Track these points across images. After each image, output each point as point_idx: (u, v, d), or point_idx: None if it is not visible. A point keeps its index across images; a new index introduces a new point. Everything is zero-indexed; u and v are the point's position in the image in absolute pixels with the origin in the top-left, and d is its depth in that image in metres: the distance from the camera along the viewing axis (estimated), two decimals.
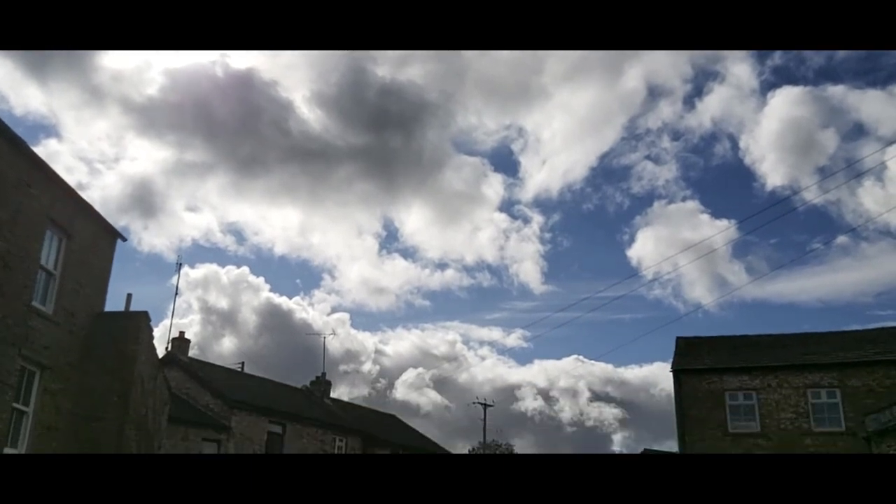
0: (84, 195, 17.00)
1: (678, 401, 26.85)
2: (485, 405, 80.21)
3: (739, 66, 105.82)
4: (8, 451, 14.23)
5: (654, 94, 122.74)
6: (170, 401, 21.54)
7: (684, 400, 26.70)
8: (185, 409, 27.44)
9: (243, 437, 29.05)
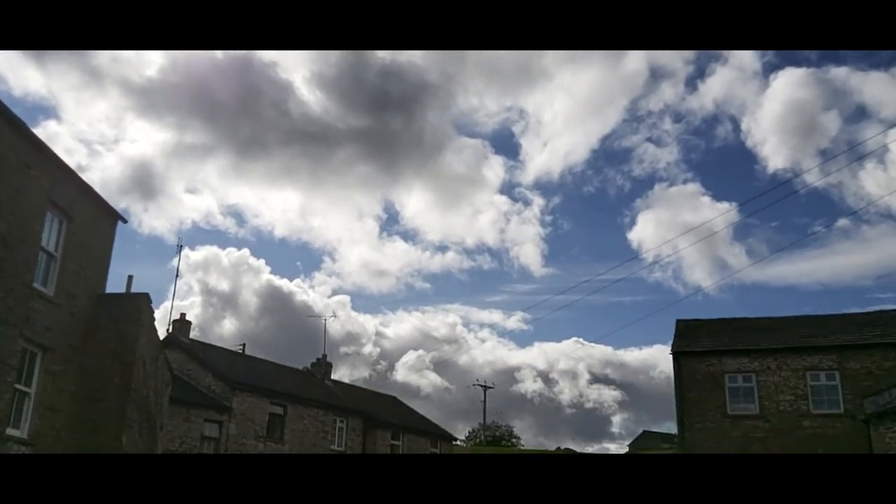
0: (84, 177, 17.00)
1: (677, 383, 26.96)
2: (485, 387, 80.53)
3: None
4: (10, 431, 14.33)
5: (656, 75, 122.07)
6: (171, 382, 21.63)
7: (684, 382, 26.80)
8: (187, 391, 27.59)
9: (245, 418, 29.22)
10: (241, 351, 37.41)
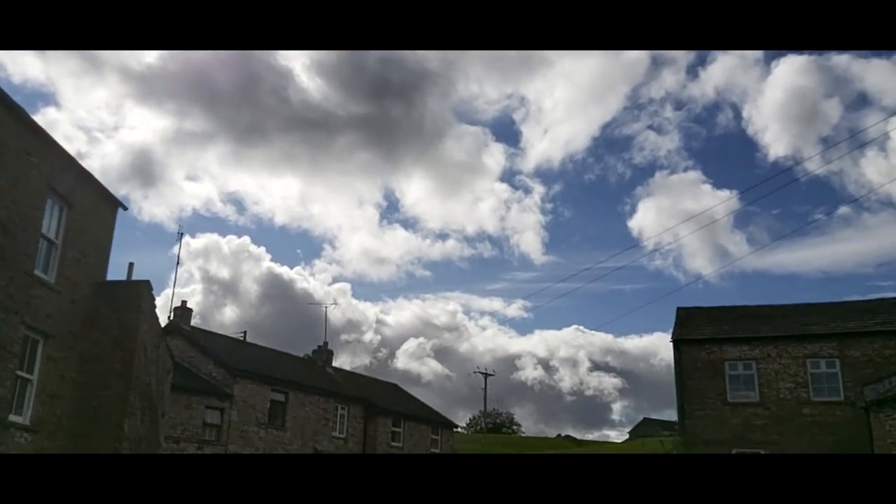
0: (83, 164, 16.95)
1: (678, 370, 26.99)
2: (485, 374, 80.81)
3: None
4: (13, 418, 14.38)
5: (658, 62, 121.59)
6: (173, 369, 21.69)
7: (684, 370, 26.83)
8: (189, 378, 27.66)
9: (246, 405, 29.32)
10: (242, 338, 37.51)
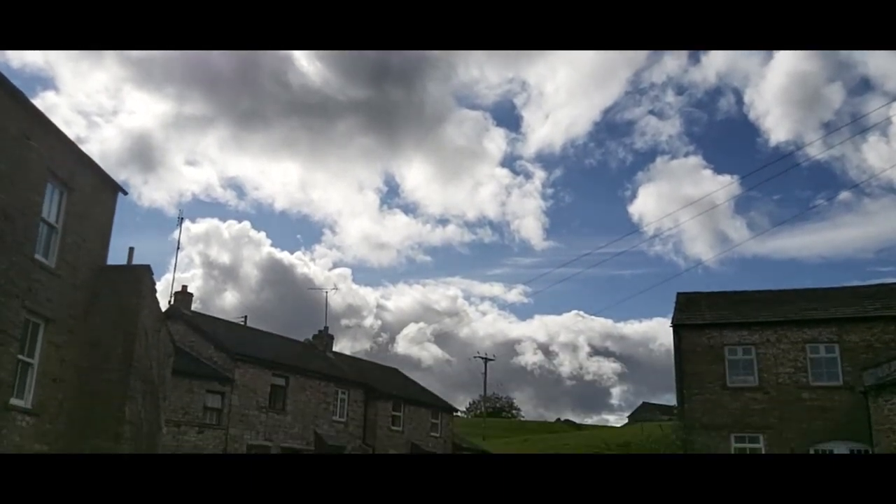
0: (83, 149, 16.92)
1: (677, 355, 27.08)
2: (485, 359, 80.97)
3: None
4: (14, 401, 14.43)
5: None
6: (174, 353, 21.76)
7: (684, 354, 26.92)
8: (189, 362, 27.74)
9: (247, 390, 29.43)
10: (242, 323, 37.61)
